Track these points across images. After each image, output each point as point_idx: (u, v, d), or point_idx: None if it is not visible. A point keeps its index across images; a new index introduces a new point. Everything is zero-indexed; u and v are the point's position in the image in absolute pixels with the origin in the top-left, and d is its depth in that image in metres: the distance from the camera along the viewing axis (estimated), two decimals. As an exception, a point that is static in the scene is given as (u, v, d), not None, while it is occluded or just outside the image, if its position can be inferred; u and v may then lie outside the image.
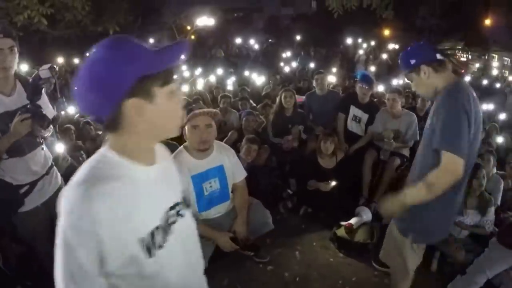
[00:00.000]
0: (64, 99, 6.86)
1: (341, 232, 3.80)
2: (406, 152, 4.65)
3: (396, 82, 7.73)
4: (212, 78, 8.97)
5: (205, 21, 15.73)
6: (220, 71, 9.84)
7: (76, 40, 12.19)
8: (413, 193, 2.08)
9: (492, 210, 3.47)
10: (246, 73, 10.10)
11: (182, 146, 2.95)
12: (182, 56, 1.12)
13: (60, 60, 9.84)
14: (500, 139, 5.35)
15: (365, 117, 4.92)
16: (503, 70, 14.67)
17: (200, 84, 8.41)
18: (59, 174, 2.66)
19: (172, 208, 1.23)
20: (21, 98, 2.36)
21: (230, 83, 8.60)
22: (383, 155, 4.51)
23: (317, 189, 4.21)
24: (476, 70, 12.47)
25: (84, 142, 4.71)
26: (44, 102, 2.46)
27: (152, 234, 1.12)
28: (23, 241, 2.66)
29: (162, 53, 1.08)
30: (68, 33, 11.52)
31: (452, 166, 1.92)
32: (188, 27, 17.23)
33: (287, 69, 11.50)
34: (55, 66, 2.63)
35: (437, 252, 3.48)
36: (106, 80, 1.02)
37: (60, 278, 1.02)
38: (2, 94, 2.31)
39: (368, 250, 3.62)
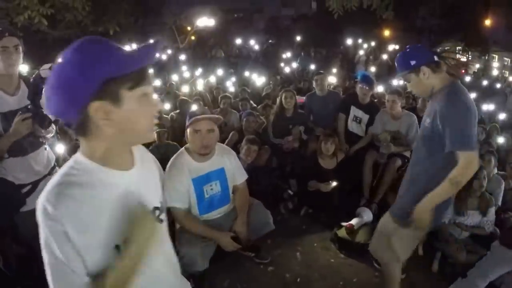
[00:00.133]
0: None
1: (342, 232, 3.80)
2: (407, 152, 4.64)
3: (397, 82, 7.72)
4: (213, 79, 8.98)
5: (205, 21, 15.77)
6: (220, 71, 9.86)
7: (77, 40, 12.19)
8: (439, 193, 2.18)
9: (492, 210, 3.47)
10: (247, 73, 10.12)
11: (183, 148, 2.94)
12: (152, 58, 1.08)
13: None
14: (500, 140, 5.34)
15: (365, 117, 4.92)
16: (503, 71, 14.69)
17: (200, 85, 8.42)
18: None
19: (151, 213, 1.22)
20: (25, 98, 2.38)
21: (231, 84, 8.60)
22: (381, 158, 4.52)
23: (317, 189, 4.21)
24: (476, 70, 12.49)
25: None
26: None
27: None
28: (23, 242, 2.66)
29: (131, 55, 1.06)
30: (69, 33, 11.50)
31: (471, 162, 2.09)
32: (189, 28, 17.26)
33: (287, 69, 11.51)
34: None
35: (438, 253, 3.49)
36: (71, 83, 1.00)
37: (48, 274, 1.04)
38: (6, 93, 2.33)
39: (369, 251, 3.61)
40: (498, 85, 9.89)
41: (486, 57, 18.38)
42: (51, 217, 1.01)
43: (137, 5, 14.04)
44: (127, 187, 1.14)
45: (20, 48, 2.34)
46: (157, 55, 1.12)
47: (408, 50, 2.43)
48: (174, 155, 2.93)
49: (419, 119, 4.74)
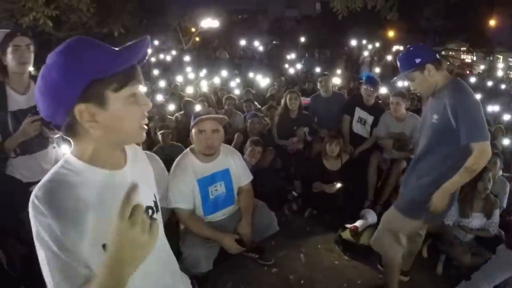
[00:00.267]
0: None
1: (346, 234, 3.79)
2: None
3: (401, 84, 7.69)
4: (217, 80, 9.00)
5: (209, 23, 15.82)
6: (224, 72, 9.88)
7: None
8: (456, 181, 2.35)
9: (497, 212, 3.45)
10: (251, 75, 10.13)
11: (188, 149, 2.94)
12: (138, 57, 1.06)
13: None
14: (506, 141, 5.29)
15: (370, 119, 4.91)
16: (508, 71, 14.62)
17: (204, 86, 8.44)
18: None
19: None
20: (34, 97, 2.40)
21: (235, 85, 8.61)
22: (383, 163, 4.50)
23: (322, 191, 4.20)
24: (481, 71, 12.46)
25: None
26: None
27: None
28: (27, 241, 2.67)
29: (116, 56, 1.03)
30: (73, 34, 11.37)
31: (484, 151, 2.23)
32: (193, 29, 17.31)
33: (291, 70, 11.51)
34: None
35: (443, 255, 3.47)
36: (56, 86, 1.00)
37: (44, 269, 1.04)
38: (16, 92, 2.37)
39: (373, 253, 3.59)
40: (503, 86, 9.86)
41: (491, 58, 18.31)
42: (39, 211, 1.01)
43: (142, 6, 14.09)
44: (117, 186, 1.12)
45: (32, 48, 2.39)
46: (145, 52, 1.10)
47: (411, 49, 2.50)
48: (179, 156, 2.93)
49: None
